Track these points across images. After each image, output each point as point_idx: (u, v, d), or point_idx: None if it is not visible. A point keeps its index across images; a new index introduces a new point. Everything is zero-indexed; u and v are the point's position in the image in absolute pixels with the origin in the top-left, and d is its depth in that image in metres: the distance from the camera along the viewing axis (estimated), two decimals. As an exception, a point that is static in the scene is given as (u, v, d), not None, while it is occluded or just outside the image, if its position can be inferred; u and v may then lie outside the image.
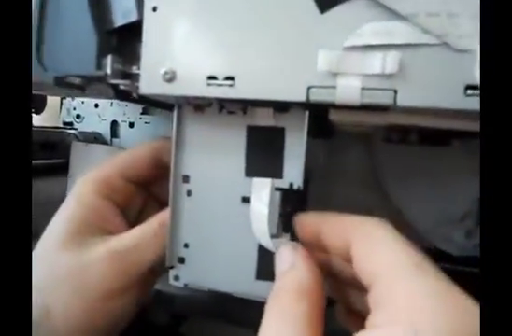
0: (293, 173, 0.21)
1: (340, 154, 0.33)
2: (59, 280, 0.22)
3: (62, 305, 0.22)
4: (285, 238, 0.21)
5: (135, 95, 0.21)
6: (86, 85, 0.22)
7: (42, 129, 0.74)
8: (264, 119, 0.21)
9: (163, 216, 0.23)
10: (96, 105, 0.76)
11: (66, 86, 0.21)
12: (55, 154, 0.49)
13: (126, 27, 0.20)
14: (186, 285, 0.23)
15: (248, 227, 0.21)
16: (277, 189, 0.21)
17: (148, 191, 0.27)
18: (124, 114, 0.51)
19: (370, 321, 0.14)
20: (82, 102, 0.80)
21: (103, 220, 0.24)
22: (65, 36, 0.19)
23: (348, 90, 0.17)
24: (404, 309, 0.13)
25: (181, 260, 0.23)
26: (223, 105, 0.22)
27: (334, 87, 0.17)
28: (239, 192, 0.22)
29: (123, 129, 0.50)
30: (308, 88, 0.17)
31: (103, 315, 0.23)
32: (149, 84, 0.19)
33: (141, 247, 0.22)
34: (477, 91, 0.15)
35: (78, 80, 0.21)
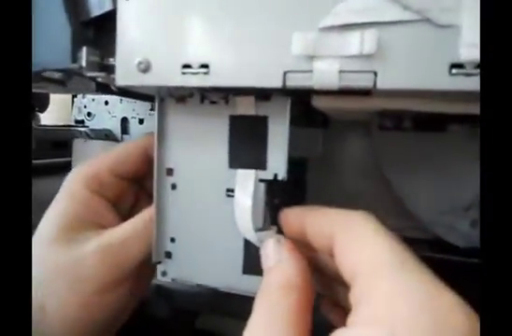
0: (277, 163, 0.20)
1: (338, 143, 0.32)
2: (53, 275, 0.22)
3: (57, 301, 0.22)
4: (272, 231, 0.20)
5: (113, 88, 0.20)
6: (66, 79, 0.21)
7: (54, 127, 0.76)
8: (246, 107, 0.20)
9: (152, 210, 0.23)
10: (106, 103, 0.77)
11: (45, 81, 0.21)
12: (67, 152, 0.50)
13: (103, 18, 0.20)
14: (174, 280, 0.22)
15: (233, 220, 0.21)
16: (262, 180, 0.20)
17: (139, 186, 0.27)
18: (134, 110, 0.51)
19: (350, 319, 0.13)
20: (93, 99, 0.81)
21: (95, 215, 0.24)
22: (39, 30, 0.19)
23: (325, 73, 0.16)
24: (383, 309, 0.13)
25: (168, 255, 0.22)
26: (205, 94, 0.21)
27: (310, 71, 0.16)
28: (224, 185, 0.21)
29: (133, 125, 0.51)
30: (285, 73, 0.16)
31: (99, 308, 0.22)
32: (125, 75, 0.19)
33: (132, 241, 0.22)
34: (463, 70, 0.14)
35: (57, 75, 0.21)
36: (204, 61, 0.17)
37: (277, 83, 0.16)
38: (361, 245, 0.15)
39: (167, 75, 0.18)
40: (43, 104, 0.54)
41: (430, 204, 0.32)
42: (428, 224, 0.32)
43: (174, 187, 0.22)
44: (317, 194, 0.31)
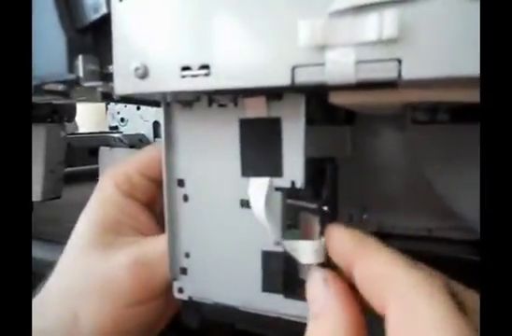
0: (294, 169, 0.18)
1: (370, 140, 0.29)
2: (86, 284, 0.22)
3: (90, 310, 0.21)
4: (318, 242, 0.17)
5: (114, 97, 0.19)
6: (68, 90, 0.20)
7: (89, 135, 0.77)
8: (257, 109, 0.18)
9: None
10: (138, 108, 0.78)
11: (48, 94, 0.20)
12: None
13: (101, 23, 0.19)
14: (190, 298, 0.21)
15: (249, 232, 0.19)
16: (278, 188, 0.18)
17: None
18: None
19: None
20: (125, 105, 0.82)
21: (129, 218, 0.23)
22: (34, 41, 0.18)
23: (339, 65, 0.14)
24: None
25: (184, 271, 0.21)
26: (213, 97, 0.19)
27: (322, 64, 0.14)
28: (237, 195, 0.19)
29: None
30: (293, 68, 0.14)
31: (132, 320, 0.22)
32: (123, 83, 0.17)
33: (164, 258, 0.21)
34: (509, 50, 0.12)
35: (60, 87, 0.20)
36: (204, 61, 0.16)
37: (284, 80, 0.14)
38: (420, 330, 0.13)
39: (166, 79, 0.16)
40: (70, 114, 0.55)
41: (475, 203, 0.29)
42: (473, 224, 0.29)
43: (186, 198, 0.21)
44: (351, 196, 0.29)
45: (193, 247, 0.21)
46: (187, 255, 0.21)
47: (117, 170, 0.24)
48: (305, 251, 0.17)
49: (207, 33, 0.15)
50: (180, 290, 0.21)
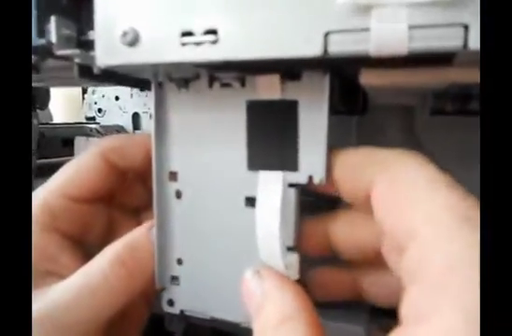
0: (313, 161, 0.15)
1: (376, 133, 0.27)
2: None
3: None
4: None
5: (96, 70, 0.16)
6: (38, 63, 0.17)
7: (64, 125, 0.73)
8: (269, 90, 0.15)
9: (118, 248, 0.17)
10: (117, 98, 0.74)
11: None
12: (78, 150, 0.47)
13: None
14: (183, 312, 0.18)
15: (254, 236, 0.16)
16: (292, 184, 0.15)
17: (114, 204, 0.21)
18: (145, 105, 0.51)
19: (408, 303, 0.11)
20: (103, 95, 0.78)
21: (46, 261, 0.18)
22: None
23: (387, 31, 0.11)
24: (450, 288, 0.10)
25: (175, 280, 0.18)
26: (215, 75, 0.16)
27: (365, 29, 0.11)
28: (242, 192, 0.16)
29: (145, 120, 0.50)
30: (326, 34, 0.11)
31: None
32: (107, 52, 0.14)
33: (83, 300, 0.16)
34: None
35: (26, 57, 0.16)
36: (210, 25, 0.12)
37: (314, 50, 0.11)
38: (414, 197, 0.12)
39: (161, 48, 0.13)
40: (43, 100, 0.50)
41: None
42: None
43: (179, 195, 0.17)
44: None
45: (187, 253, 0.18)
46: (179, 261, 0.18)
47: (35, 200, 0.19)
48: None
49: (217, -12, 0.12)
50: (170, 303, 0.18)
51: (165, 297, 0.18)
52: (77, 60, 0.15)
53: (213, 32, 0.12)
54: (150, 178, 0.21)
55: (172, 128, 0.17)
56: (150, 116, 0.48)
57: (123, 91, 0.65)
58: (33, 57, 0.16)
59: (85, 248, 0.20)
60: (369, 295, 0.17)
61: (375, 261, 0.16)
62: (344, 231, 0.16)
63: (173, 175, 0.17)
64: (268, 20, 0.12)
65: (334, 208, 0.18)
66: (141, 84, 0.21)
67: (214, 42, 0.12)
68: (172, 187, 0.17)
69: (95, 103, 0.74)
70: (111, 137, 0.20)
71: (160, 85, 0.17)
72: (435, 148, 0.25)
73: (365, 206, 0.14)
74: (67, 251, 0.19)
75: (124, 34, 0.13)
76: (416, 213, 0.12)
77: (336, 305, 0.18)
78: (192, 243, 0.17)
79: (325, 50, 0.11)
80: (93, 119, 0.74)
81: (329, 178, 0.15)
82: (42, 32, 0.15)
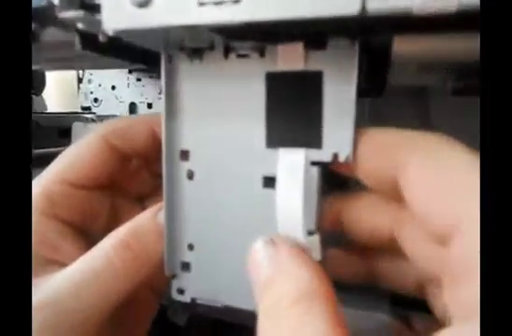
0: (338, 138, 0.14)
1: (390, 117, 0.26)
2: None
3: None
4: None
5: (102, 38, 0.14)
6: (38, 30, 0.15)
7: (59, 115, 0.71)
8: (292, 60, 0.14)
9: (122, 232, 0.16)
10: (113, 88, 0.72)
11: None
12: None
13: None
14: (194, 300, 0.17)
15: (272, 218, 0.15)
16: (315, 163, 0.14)
17: (117, 191, 0.20)
18: (142, 95, 0.50)
19: (457, 301, 0.10)
20: (99, 85, 0.76)
21: (47, 248, 0.17)
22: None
23: (435, -15, 0.10)
24: None
25: (186, 267, 0.17)
26: (230, 45, 0.15)
27: (409, -17, 0.10)
28: (259, 171, 0.15)
29: (142, 110, 0.49)
30: (364, -9, 0.10)
31: None
32: (115, 14, 0.13)
33: (89, 287, 0.15)
34: None
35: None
36: (232, -18, 0.11)
37: (352, 8, 0.10)
38: (459, 184, 0.11)
39: (177, 8, 0.12)
40: (39, 83, 0.48)
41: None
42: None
43: (191, 175, 0.16)
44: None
45: (199, 238, 0.16)
46: (190, 247, 0.17)
47: (35, 186, 0.18)
48: None
49: None
50: (180, 291, 0.17)
51: (175, 284, 0.17)
52: (80, 25, 0.14)
53: (235, -11, 0.11)
54: (156, 162, 0.20)
55: (183, 103, 0.16)
56: (148, 105, 0.46)
57: (120, 80, 0.64)
58: (33, 24, 0.15)
59: (89, 237, 0.19)
60: (383, 280, 0.17)
61: (389, 247, 0.15)
62: (358, 216, 0.16)
63: (184, 154, 0.16)
64: (299, -26, 0.11)
65: (341, 188, 0.17)
66: (148, 59, 0.20)
67: (236, 2, 0.11)
68: (183, 167, 0.16)
69: (91, 92, 0.72)
70: (112, 119, 0.19)
71: (170, 57, 0.16)
72: (450, 133, 0.24)
73: (389, 188, 0.13)
74: (69, 239, 0.18)
75: (135, -7, 0.12)
76: (464, 203, 0.11)
77: (350, 291, 0.17)
78: (204, 227, 0.16)
79: (363, 8, 0.10)
80: (89, 108, 0.72)
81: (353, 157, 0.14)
82: (43, -7, 0.13)
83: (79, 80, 0.64)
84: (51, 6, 0.13)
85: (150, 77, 0.49)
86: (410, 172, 0.12)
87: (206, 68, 0.15)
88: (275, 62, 0.14)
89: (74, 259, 0.17)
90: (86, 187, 0.18)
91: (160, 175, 0.20)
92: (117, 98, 0.70)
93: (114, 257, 0.16)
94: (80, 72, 0.51)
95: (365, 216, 0.15)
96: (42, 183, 0.18)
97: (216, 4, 0.11)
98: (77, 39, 0.17)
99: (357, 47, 0.13)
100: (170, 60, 0.16)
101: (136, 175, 0.20)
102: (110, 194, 0.20)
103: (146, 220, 0.17)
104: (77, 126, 0.40)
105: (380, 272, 0.17)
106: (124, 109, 0.69)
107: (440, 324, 0.16)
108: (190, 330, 0.35)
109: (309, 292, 0.12)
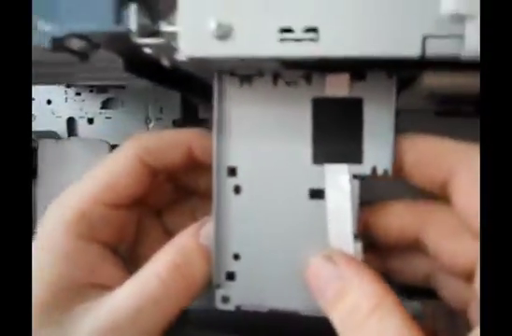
0: (377, 154, 0.16)
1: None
2: None
3: None
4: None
5: (166, 62, 0.15)
6: (89, 51, 0.16)
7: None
8: (338, 88, 0.16)
9: (171, 253, 0.17)
10: (49, 102, 0.68)
11: (65, 51, 0.15)
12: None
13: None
14: (239, 307, 0.18)
15: (317, 227, 0.17)
16: (356, 176, 0.17)
17: (141, 206, 0.20)
18: (81, 109, 0.46)
19: None
20: (33, 99, 0.72)
21: (87, 273, 0.17)
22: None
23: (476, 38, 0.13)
24: None
25: (230, 276, 0.18)
26: (279, 73, 0.17)
27: (459, 36, 0.13)
28: (306, 184, 0.17)
29: (82, 126, 0.45)
30: (424, 38, 0.13)
31: None
32: (194, 43, 0.14)
33: (143, 311, 0.16)
34: None
35: (79, 44, 0.15)
36: (311, 23, 0.13)
37: (413, 51, 0.13)
38: None
39: (258, 43, 0.14)
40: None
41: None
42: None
43: (238, 190, 0.17)
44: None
45: (245, 248, 0.18)
46: (236, 257, 0.18)
47: (65, 203, 0.18)
48: None
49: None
50: (225, 299, 0.18)
51: (219, 294, 0.18)
52: (147, 50, 0.15)
53: (313, 30, 0.13)
54: (182, 177, 0.21)
55: (232, 123, 0.17)
56: (88, 120, 0.43)
57: (57, 94, 0.61)
58: (85, 45, 0.16)
59: (118, 255, 0.19)
60: (394, 274, 0.19)
61: (406, 246, 0.18)
62: (387, 222, 0.18)
63: (232, 171, 0.17)
64: (369, 22, 0.13)
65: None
66: (179, 83, 0.21)
67: (314, 40, 0.13)
68: (230, 182, 0.17)
69: (25, 107, 0.67)
70: (145, 136, 0.19)
71: (221, 80, 0.17)
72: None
73: (438, 191, 0.16)
74: (107, 260, 0.18)
75: (216, 28, 0.14)
76: None
77: None
78: (249, 237, 0.18)
79: (423, 52, 0.13)
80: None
81: (397, 164, 0.16)
82: (119, 18, 0.14)
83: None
84: (129, 32, 0.14)
85: (91, 92, 0.46)
86: (457, 179, 0.15)
87: (255, 92, 0.17)
88: (320, 88, 0.17)
89: (115, 279, 0.17)
90: (119, 206, 0.18)
91: (181, 188, 0.21)
92: (53, 113, 0.66)
93: (168, 279, 0.16)
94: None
95: (393, 221, 0.17)
96: (77, 205, 0.17)
97: (296, 41, 0.13)
98: (120, 62, 0.18)
99: (394, 79, 0.16)
100: (221, 82, 0.17)
101: (160, 190, 0.21)
102: (137, 210, 0.20)
103: (189, 239, 0.17)
104: (45, 143, 0.38)
105: (393, 266, 0.19)
106: (62, 125, 0.65)
107: (452, 310, 0.18)
108: None
109: (381, 302, 0.14)
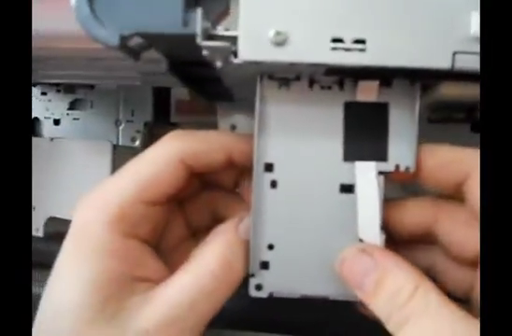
0: (400, 153, 0.18)
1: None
2: None
3: None
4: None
5: (219, 65, 0.16)
6: (143, 50, 0.17)
7: None
8: (368, 93, 0.18)
9: (220, 248, 0.18)
10: None
11: (126, 50, 0.16)
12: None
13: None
14: (271, 294, 0.19)
15: (346, 219, 0.19)
16: (381, 172, 0.19)
17: (174, 204, 0.21)
18: (47, 110, 0.44)
19: None
20: None
21: (135, 267, 0.18)
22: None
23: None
24: None
25: (264, 265, 0.19)
26: (315, 78, 0.18)
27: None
28: (337, 180, 0.19)
29: (48, 127, 0.44)
30: (454, 53, 0.15)
31: None
32: (253, 48, 0.15)
33: (202, 298, 0.17)
34: None
35: (136, 42, 0.16)
36: (359, 35, 0.15)
37: (445, 64, 0.15)
38: None
39: (312, 50, 0.15)
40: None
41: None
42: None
43: (274, 185, 0.19)
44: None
45: (279, 238, 0.19)
46: (270, 247, 0.19)
47: (103, 201, 0.18)
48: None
49: (369, 3, 0.15)
50: (259, 287, 0.19)
51: (253, 282, 0.19)
52: (206, 53, 0.16)
53: (362, 41, 0.15)
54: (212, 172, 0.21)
55: (271, 122, 0.19)
56: (54, 121, 0.42)
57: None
58: (141, 44, 0.16)
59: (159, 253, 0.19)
60: None
61: (416, 238, 0.20)
62: (403, 217, 0.19)
63: (268, 167, 0.19)
64: (410, 37, 0.15)
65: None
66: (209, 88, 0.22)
67: (362, 50, 0.15)
68: (267, 177, 0.19)
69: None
70: (187, 135, 0.19)
71: (261, 82, 0.18)
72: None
73: (452, 192, 0.18)
74: (149, 255, 0.18)
75: (274, 35, 0.15)
76: None
77: None
78: (284, 228, 0.19)
79: (453, 65, 0.15)
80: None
81: (416, 169, 0.18)
82: (186, 20, 0.15)
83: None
84: (195, 34, 0.15)
85: (58, 91, 0.43)
86: (472, 181, 0.17)
87: (292, 95, 0.19)
88: (351, 93, 0.19)
89: (159, 273, 0.18)
90: (159, 204, 0.19)
91: (207, 182, 0.22)
92: (17, 112, 0.63)
93: (220, 274, 0.17)
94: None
95: (412, 216, 0.19)
96: (120, 204, 0.18)
97: (345, 50, 0.15)
98: (164, 63, 0.18)
99: (418, 86, 0.18)
100: (263, 87, 0.18)
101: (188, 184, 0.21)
102: (169, 205, 0.20)
103: (234, 234, 0.18)
104: (39, 142, 0.37)
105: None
106: (25, 125, 0.63)
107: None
108: None
109: (421, 283, 0.15)
